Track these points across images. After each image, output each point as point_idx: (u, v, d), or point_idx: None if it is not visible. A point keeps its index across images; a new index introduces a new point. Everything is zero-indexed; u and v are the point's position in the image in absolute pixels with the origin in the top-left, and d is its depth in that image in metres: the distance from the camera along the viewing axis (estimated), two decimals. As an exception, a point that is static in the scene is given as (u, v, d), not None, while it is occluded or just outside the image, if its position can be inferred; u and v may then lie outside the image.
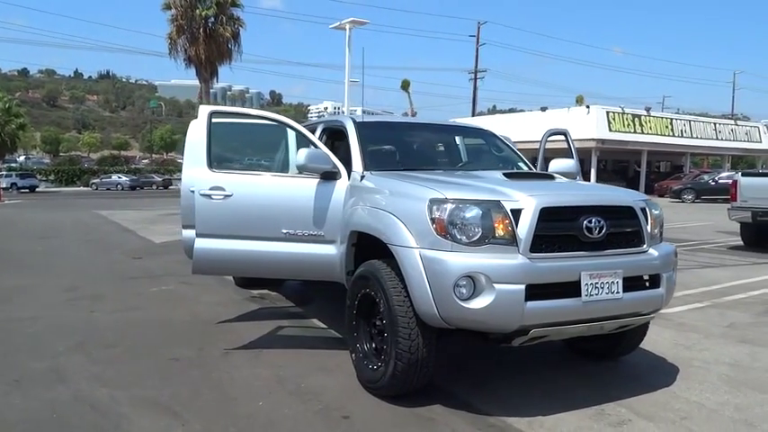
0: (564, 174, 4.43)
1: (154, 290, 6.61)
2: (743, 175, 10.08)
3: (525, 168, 4.68)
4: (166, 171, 57.91)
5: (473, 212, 3.06)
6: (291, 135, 5.01)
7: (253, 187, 4.15)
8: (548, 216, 3.11)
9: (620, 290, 3.21)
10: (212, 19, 31.92)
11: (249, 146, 5.31)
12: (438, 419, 3.19)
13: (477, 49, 46.39)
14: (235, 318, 5.33)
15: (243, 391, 3.60)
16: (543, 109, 32.51)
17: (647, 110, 33.13)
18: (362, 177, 3.92)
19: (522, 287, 2.97)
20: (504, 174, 3.75)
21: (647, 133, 31.50)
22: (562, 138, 5.14)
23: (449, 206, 3.09)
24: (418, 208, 3.20)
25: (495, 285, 2.95)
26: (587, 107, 30.66)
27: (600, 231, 3.21)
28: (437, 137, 5.02)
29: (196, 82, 34.48)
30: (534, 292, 3.00)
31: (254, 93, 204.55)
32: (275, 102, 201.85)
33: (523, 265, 3.01)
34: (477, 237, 3.04)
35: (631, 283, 3.28)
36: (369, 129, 4.45)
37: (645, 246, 3.42)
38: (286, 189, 4.14)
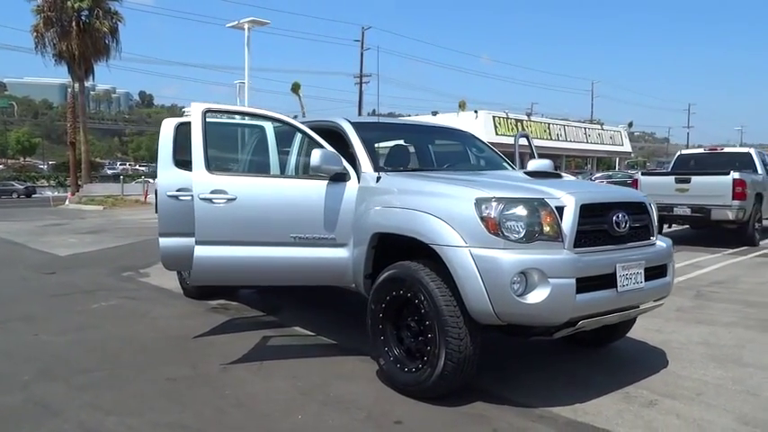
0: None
1: (95, 306, 5.99)
2: (642, 174, 11.21)
3: (511, 167, 4.87)
4: (28, 178, 52.35)
5: (523, 210, 3.14)
6: (271, 135, 4.83)
7: (258, 190, 3.93)
8: (586, 212, 3.28)
9: (643, 279, 3.46)
10: (86, 12, 29.45)
11: (225, 147, 5.03)
12: (488, 415, 3.23)
13: (362, 53, 47.10)
14: (209, 331, 4.99)
15: (270, 406, 3.40)
16: (434, 113, 33.67)
17: (528, 115, 35.58)
18: (378, 179, 3.85)
19: (573, 281, 3.10)
20: (525, 173, 3.88)
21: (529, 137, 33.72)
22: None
23: (499, 205, 3.15)
24: (464, 208, 3.22)
25: (549, 280, 3.05)
26: (476, 112, 32.25)
27: (625, 225, 3.44)
28: (429, 138, 5.05)
29: (54, 80, 31.82)
30: (580, 285, 3.14)
31: (121, 93, 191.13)
32: (145, 103, 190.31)
33: (573, 259, 3.15)
34: (528, 234, 3.13)
35: (648, 273, 3.53)
36: (367, 129, 4.39)
37: (653, 238, 3.70)
38: (294, 191, 3.96)
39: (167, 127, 4.67)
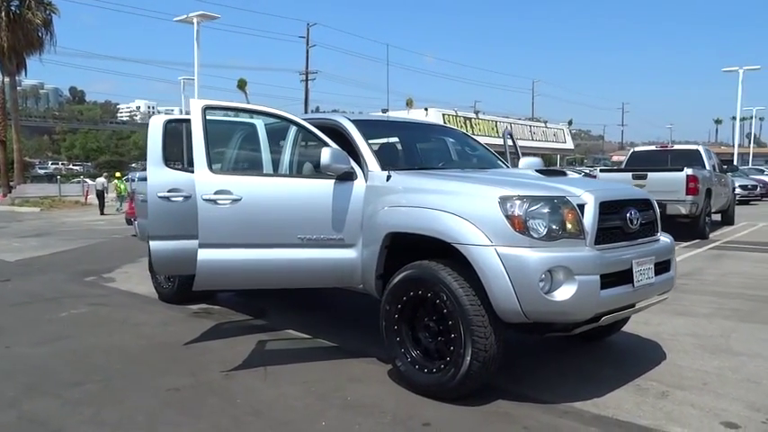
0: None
1: (64, 315, 5.64)
2: (601, 170, 11.61)
3: (505, 165, 4.90)
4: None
5: (548, 208, 3.16)
6: (263, 132, 4.68)
7: (264, 190, 3.79)
8: (604, 209, 3.33)
9: (653, 274, 3.55)
10: (17, 2, 27.82)
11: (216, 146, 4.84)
12: (514, 413, 3.23)
13: (308, 50, 46.69)
14: (199, 337, 4.79)
15: (289, 413, 3.29)
16: (385, 111, 33.61)
17: (476, 113, 36.12)
18: (388, 177, 3.79)
19: (598, 277, 3.15)
20: (536, 171, 3.91)
21: (478, 134, 34.30)
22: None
23: (524, 203, 3.15)
24: (488, 206, 3.21)
25: (576, 277, 3.08)
26: (426, 109, 32.42)
27: (636, 222, 3.52)
28: (425, 135, 5.02)
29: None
30: (603, 281, 3.19)
31: (50, 89, 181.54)
32: (77, 99, 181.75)
33: (596, 256, 3.19)
34: (553, 232, 3.15)
35: (657, 268, 3.63)
36: (367, 127, 4.31)
37: (658, 234, 3.81)
38: (301, 191, 3.85)
39: (156, 125, 4.43)
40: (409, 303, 3.53)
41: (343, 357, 4.21)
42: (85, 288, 6.97)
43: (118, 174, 24.39)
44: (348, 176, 3.87)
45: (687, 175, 10.07)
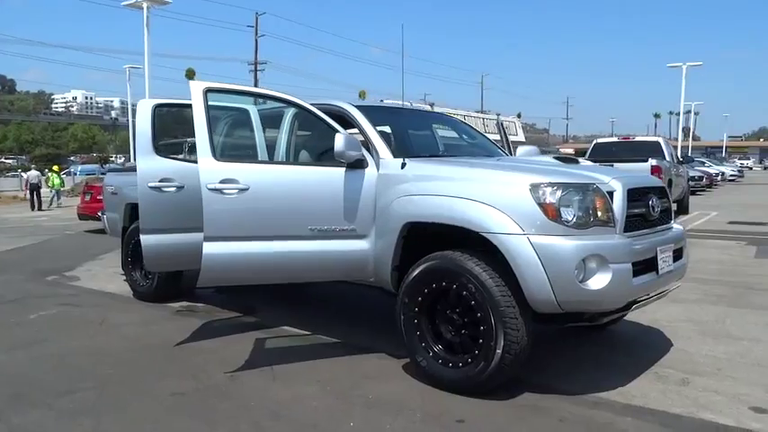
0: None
1: (33, 317, 5.22)
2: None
3: (506, 154, 4.83)
4: None
5: (581, 196, 3.09)
6: (256, 118, 4.45)
7: (273, 179, 3.57)
8: (631, 197, 3.29)
9: (672, 262, 3.54)
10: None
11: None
12: (545, 406, 3.15)
13: (257, 40, 45.72)
14: (190, 337, 4.51)
15: (311, 414, 3.11)
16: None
17: (431, 105, 36.22)
18: (403, 165, 3.63)
19: (630, 265, 3.10)
20: (554, 158, 3.83)
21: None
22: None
23: (557, 190, 3.06)
24: (519, 194, 3.10)
25: (610, 265, 3.02)
26: (381, 101, 32.25)
27: (657, 209, 3.50)
28: (427, 123, 4.87)
29: None
30: (633, 269, 3.15)
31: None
32: (6, 89, 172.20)
33: (627, 243, 3.14)
34: (585, 220, 3.08)
35: (673, 255, 3.63)
36: (373, 113, 4.13)
37: (672, 222, 3.82)
38: (312, 180, 3.64)
39: (144, 109, 4.12)
40: (430, 296, 3.40)
41: (350, 353, 4.04)
42: (50, 288, 6.50)
43: (56, 167, 23.06)
44: (359, 164, 3.69)
45: (652, 166, 10.35)
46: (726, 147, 67.58)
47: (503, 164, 3.64)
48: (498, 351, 3.09)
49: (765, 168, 59.77)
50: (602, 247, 3.03)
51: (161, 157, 4.08)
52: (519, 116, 56.59)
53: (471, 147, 4.73)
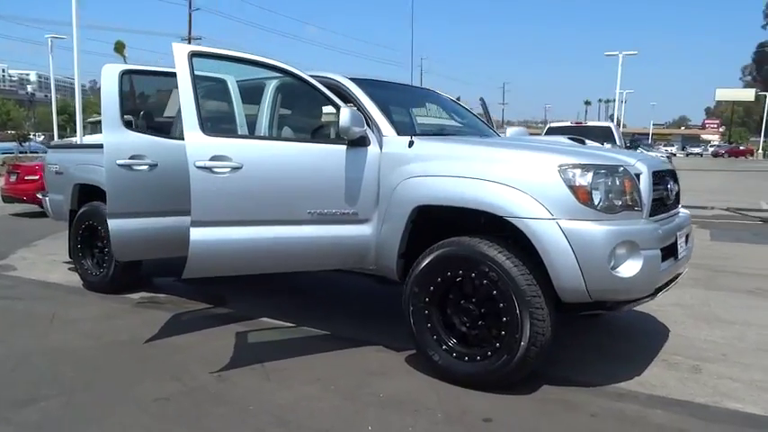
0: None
1: (-32, 313, 4.60)
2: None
3: (496, 134, 4.62)
4: None
5: (612, 178, 2.90)
6: (235, 92, 4.04)
7: (269, 156, 3.20)
8: (655, 180, 3.14)
9: (686, 245, 3.45)
10: None
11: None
12: (570, 400, 2.98)
13: (191, 14, 43.77)
14: (160, 332, 4.07)
15: (321, 419, 2.80)
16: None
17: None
18: (411, 143, 3.34)
19: (659, 251, 2.96)
20: (569, 138, 3.64)
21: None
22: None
23: (587, 172, 2.86)
24: (547, 175, 2.88)
25: (641, 251, 2.87)
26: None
27: (673, 193, 3.39)
28: (421, 100, 4.56)
29: None
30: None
31: None
32: None
33: (655, 228, 3.00)
34: (615, 204, 2.90)
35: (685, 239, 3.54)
36: (371, 88, 3.80)
37: (680, 206, 3.72)
38: (311, 158, 3.29)
39: (109, 76, 3.60)
40: (443, 285, 3.15)
41: (342, 347, 3.74)
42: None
43: None
44: (362, 142, 3.37)
45: (607, 150, 10.48)
46: (651, 134, 70.89)
47: (524, 143, 3.42)
48: (523, 343, 2.88)
49: (687, 155, 63.20)
50: (634, 232, 2.87)
51: (131, 131, 3.60)
52: (458, 99, 57.19)
53: (466, 127, 4.47)
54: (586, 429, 2.71)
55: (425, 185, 3.20)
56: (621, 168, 2.97)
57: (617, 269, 2.83)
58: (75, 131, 19.92)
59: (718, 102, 49.97)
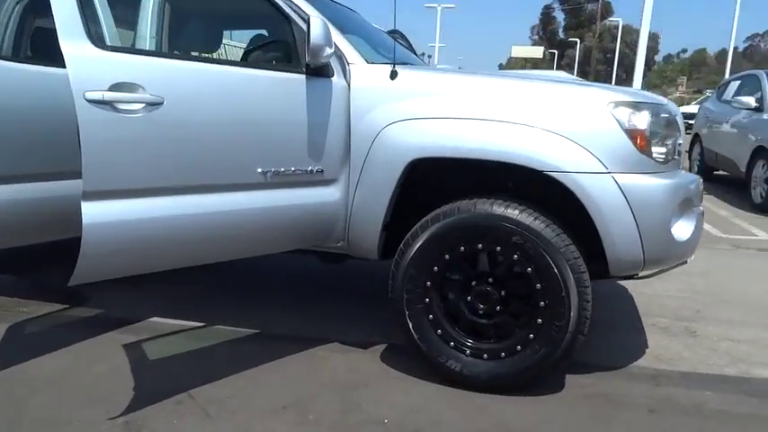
0: None
1: None
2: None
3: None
4: None
5: (667, 121, 2.35)
6: None
7: (202, 85, 2.06)
8: None
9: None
10: None
11: None
12: (610, 392, 2.45)
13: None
14: (46, 348, 2.72)
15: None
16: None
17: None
18: (394, 74, 2.43)
19: (702, 208, 2.51)
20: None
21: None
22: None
23: (645, 113, 2.26)
24: (598, 116, 2.23)
25: (694, 209, 2.39)
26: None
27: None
28: (353, 22, 3.51)
29: None
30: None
31: None
32: None
33: (697, 181, 2.53)
34: (670, 152, 2.36)
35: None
36: (325, 8, 2.76)
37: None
38: (263, 91, 2.22)
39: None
40: (450, 263, 2.38)
41: (292, 350, 2.78)
42: None
43: None
44: (324, 71, 2.39)
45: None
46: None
47: (549, 77, 2.71)
48: (570, 331, 2.25)
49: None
50: (691, 187, 2.38)
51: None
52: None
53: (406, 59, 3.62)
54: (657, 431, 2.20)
55: (425, 131, 2.35)
56: (667, 108, 2.43)
57: (674, 231, 2.31)
58: None
59: (511, 57, 54.88)
